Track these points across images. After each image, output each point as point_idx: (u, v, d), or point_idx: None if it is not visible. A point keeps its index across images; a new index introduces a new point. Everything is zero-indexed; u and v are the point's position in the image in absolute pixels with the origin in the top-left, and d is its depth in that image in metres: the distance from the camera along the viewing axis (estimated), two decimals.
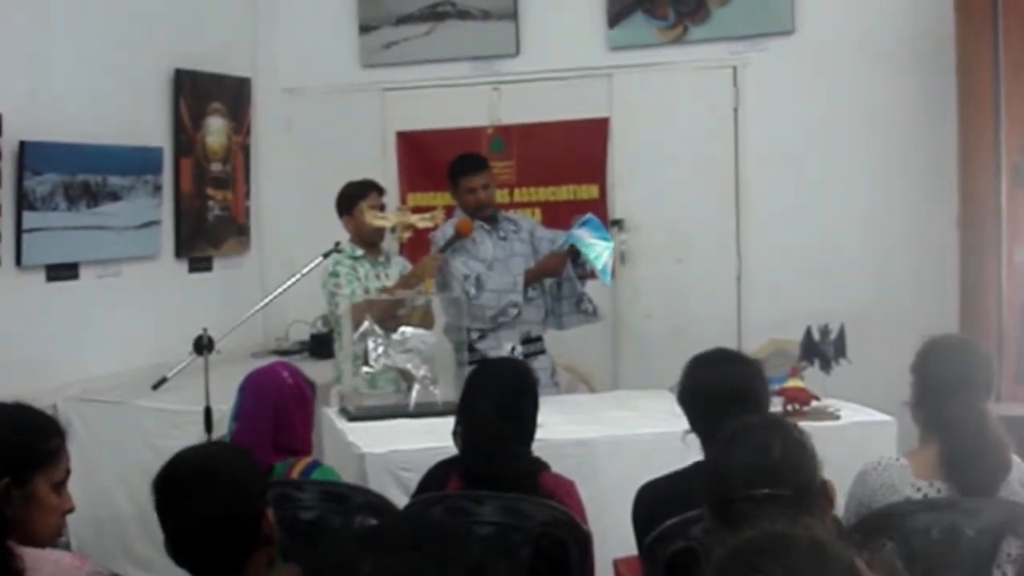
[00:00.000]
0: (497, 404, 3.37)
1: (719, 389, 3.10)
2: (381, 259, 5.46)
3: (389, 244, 5.73)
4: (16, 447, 2.49)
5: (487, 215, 5.43)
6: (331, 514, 3.16)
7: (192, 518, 2.25)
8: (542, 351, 5.47)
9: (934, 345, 3.29)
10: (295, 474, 3.46)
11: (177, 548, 2.28)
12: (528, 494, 3.24)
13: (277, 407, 3.59)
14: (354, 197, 5.42)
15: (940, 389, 3.15)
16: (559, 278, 5.34)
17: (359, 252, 5.37)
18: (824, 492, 2.34)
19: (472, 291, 5.21)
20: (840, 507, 3.17)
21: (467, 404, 3.45)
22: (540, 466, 3.40)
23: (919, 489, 3.08)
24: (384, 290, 5.21)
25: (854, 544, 2.24)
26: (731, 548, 1.52)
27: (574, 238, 5.16)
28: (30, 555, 2.34)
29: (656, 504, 3.08)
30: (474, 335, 5.22)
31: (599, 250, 5.15)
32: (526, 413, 3.43)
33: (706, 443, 3.04)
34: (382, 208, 5.42)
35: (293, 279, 4.93)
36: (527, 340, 5.37)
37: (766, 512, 1.93)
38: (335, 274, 5.27)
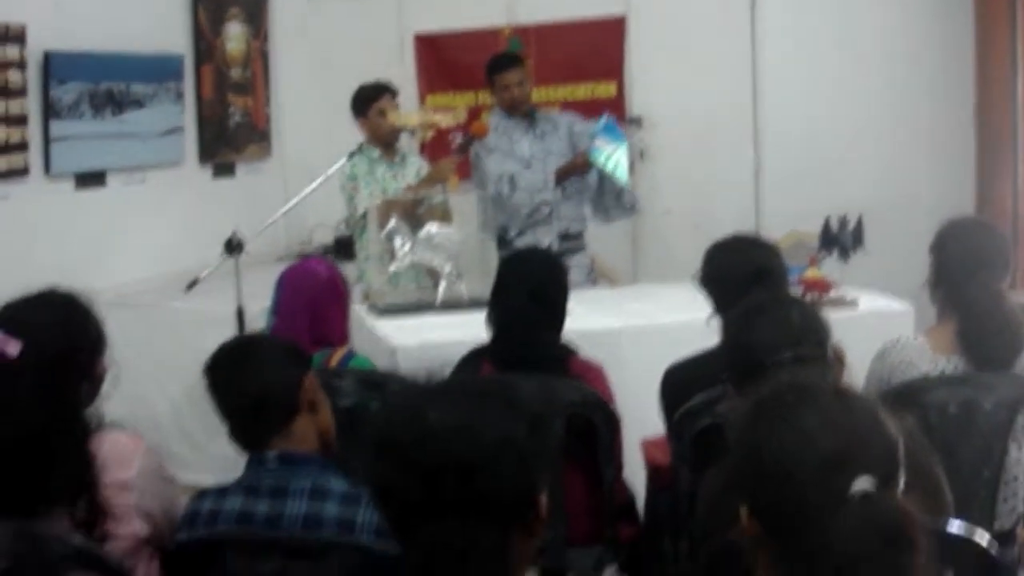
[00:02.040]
0: (528, 290, 3.44)
1: (740, 271, 3.19)
2: (397, 159, 5.54)
3: (407, 144, 5.80)
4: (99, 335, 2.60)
5: (524, 112, 5.49)
6: (369, 401, 3.27)
7: (236, 391, 2.46)
8: (582, 248, 5.58)
9: (952, 226, 3.35)
10: (333, 364, 3.56)
11: (229, 422, 2.46)
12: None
13: (313, 300, 3.69)
14: (368, 99, 5.49)
15: (957, 268, 3.22)
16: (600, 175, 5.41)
17: (375, 154, 5.45)
18: (836, 355, 2.48)
19: (506, 191, 5.30)
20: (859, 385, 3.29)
21: (499, 291, 3.53)
22: (569, 351, 3.50)
23: (937, 365, 3.17)
24: (409, 188, 5.29)
25: None
26: (755, 401, 1.60)
27: (593, 151, 5.22)
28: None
29: (682, 384, 3.18)
30: (512, 232, 5.31)
31: (615, 156, 5.20)
32: (556, 300, 3.50)
33: None
34: (396, 109, 5.49)
35: (319, 180, 4.98)
36: (567, 236, 5.48)
37: (792, 373, 2.03)
38: (353, 176, 5.36)
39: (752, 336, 2.45)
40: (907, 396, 3.09)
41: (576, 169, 5.39)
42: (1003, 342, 3.11)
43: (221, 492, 2.38)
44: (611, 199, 5.50)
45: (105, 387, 2.65)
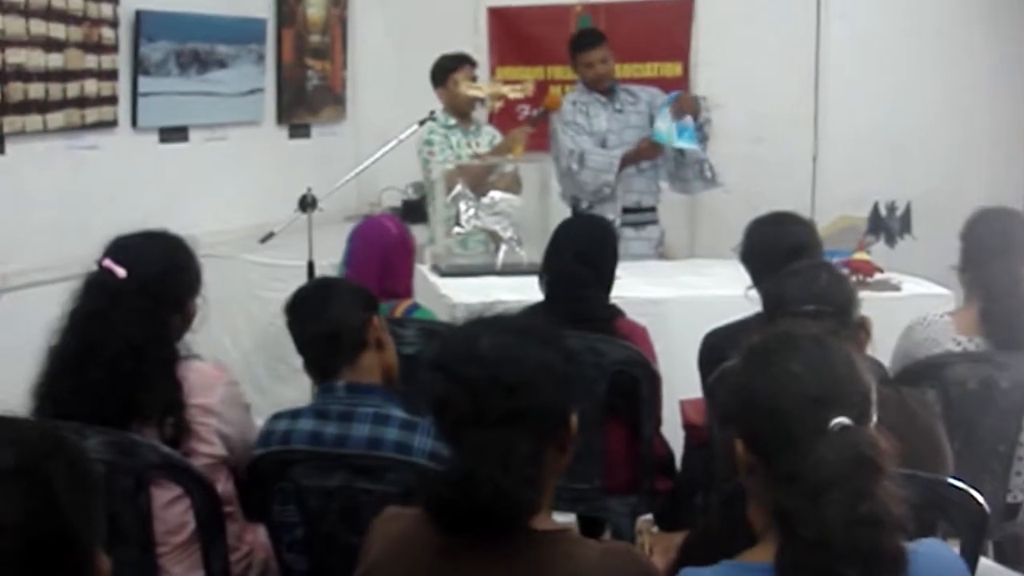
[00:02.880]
0: (578, 252, 3.68)
1: (778, 246, 3.36)
2: (472, 128, 5.79)
3: (479, 113, 6.03)
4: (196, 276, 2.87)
5: (605, 88, 5.67)
6: (429, 350, 3.50)
7: (313, 326, 2.75)
8: (653, 221, 5.77)
9: (981, 214, 3.54)
10: (398, 314, 3.82)
11: (305, 354, 2.75)
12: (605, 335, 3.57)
13: (383, 253, 3.97)
14: (448, 69, 5.74)
15: (983, 252, 3.41)
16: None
17: (452, 121, 5.70)
18: (863, 325, 2.69)
19: (575, 167, 5.52)
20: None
21: (552, 252, 3.77)
22: (616, 312, 3.72)
23: (959, 344, 3.37)
24: (477, 156, 5.54)
25: (899, 389, 2.60)
26: (748, 348, 1.85)
27: (655, 134, 5.40)
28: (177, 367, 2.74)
29: (719, 348, 3.37)
30: (584, 204, 5.53)
31: (668, 130, 5.38)
32: (603, 262, 3.73)
33: None
34: (474, 80, 5.73)
35: (391, 144, 5.16)
36: (637, 209, 5.66)
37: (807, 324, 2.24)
38: (429, 142, 5.61)
39: (781, 289, 2.69)
40: (929, 371, 3.29)
41: (642, 155, 5.55)
42: (1022, 324, 3.30)
43: (294, 414, 2.66)
44: (692, 171, 5.63)
45: (195, 324, 2.91)
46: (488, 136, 5.82)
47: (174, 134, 6.06)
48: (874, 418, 1.75)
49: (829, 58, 6.81)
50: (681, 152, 5.55)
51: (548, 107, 5.58)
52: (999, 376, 3.26)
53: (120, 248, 2.76)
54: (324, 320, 2.71)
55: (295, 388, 4.46)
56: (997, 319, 3.32)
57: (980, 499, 2.31)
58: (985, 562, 2.55)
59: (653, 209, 5.78)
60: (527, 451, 1.80)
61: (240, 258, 5.86)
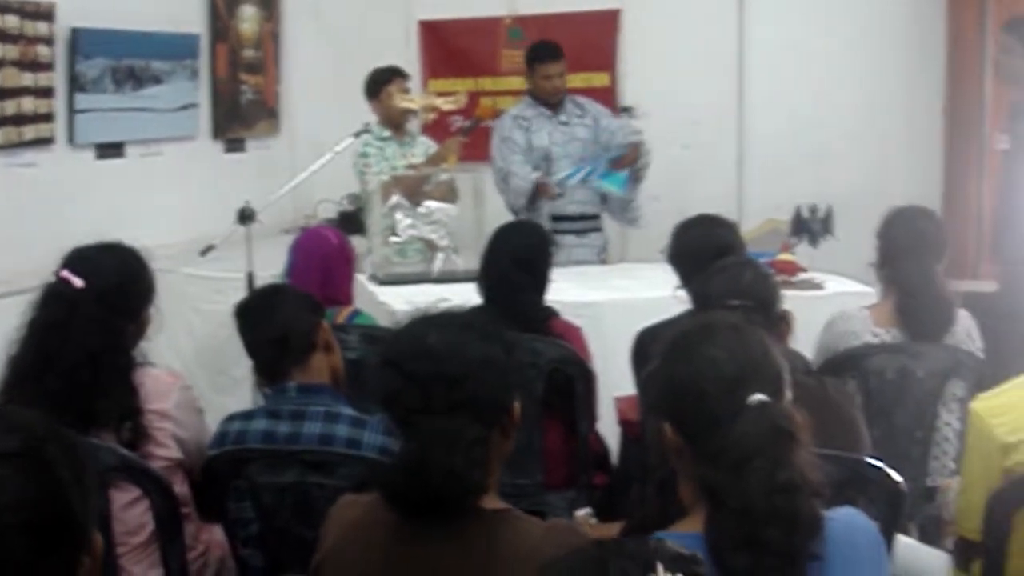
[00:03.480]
0: (514, 257, 3.82)
1: (705, 247, 3.52)
2: (407, 139, 5.90)
3: (413, 125, 6.14)
4: (150, 286, 2.97)
5: (556, 101, 5.79)
6: (371, 354, 3.62)
7: (263, 327, 2.87)
8: (597, 229, 5.93)
9: (897, 213, 3.73)
10: (340, 320, 3.93)
11: (256, 357, 2.85)
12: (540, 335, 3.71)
13: (324, 262, 4.07)
14: (381, 82, 5.86)
15: (899, 250, 3.59)
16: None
17: (386, 133, 5.81)
18: (784, 319, 2.85)
19: (501, 185, 5.66)
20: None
21: (489, 258, 3.90)
22: (551, 312, 3.87)
23: (877, 335, 3.54)
24: (411, 167, 5.65)
25: (820, 378, 2.76)
26: (671, 339, 1.99)
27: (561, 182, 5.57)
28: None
29: (651, 345, 3.53)
30: (522, 215, 5.63)
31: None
32: (538, 266, 3.87)
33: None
34: (407, 93, 5.85)
35: (326, 157, 5.25)
36: (580, 217, 5.82)
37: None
38: (365, 155, 5.71)
39: (708, 287, 2.85)
40: (850, 362, 3.46)
41: (544, 195, 5.66)
42: (934, 316, 3.49)
43: (247, 415, 2.77)
44: (618, 205, 5.81)
45: (149, 332, 3.01)
46: (423, 147, 5.93)
47: (110, 150, 6.08)
48: (788, 395, 1.90)
49: (752, 67, 6.99)
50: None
51: (481, 116, 5.71)
52: (915, 366, 3.44)
53: (78, 259, 2.85)
54: (273, 324, 2.83)
55: (237, 399, 4.53)
56: (912, 312, 3.50)
57: (896, 477, 2.46)
58: (904, 539, 2.71)
59: (596, 217, 5.92)
60: (473, 436, 1.94)
61: (180, 271, 5.86)
